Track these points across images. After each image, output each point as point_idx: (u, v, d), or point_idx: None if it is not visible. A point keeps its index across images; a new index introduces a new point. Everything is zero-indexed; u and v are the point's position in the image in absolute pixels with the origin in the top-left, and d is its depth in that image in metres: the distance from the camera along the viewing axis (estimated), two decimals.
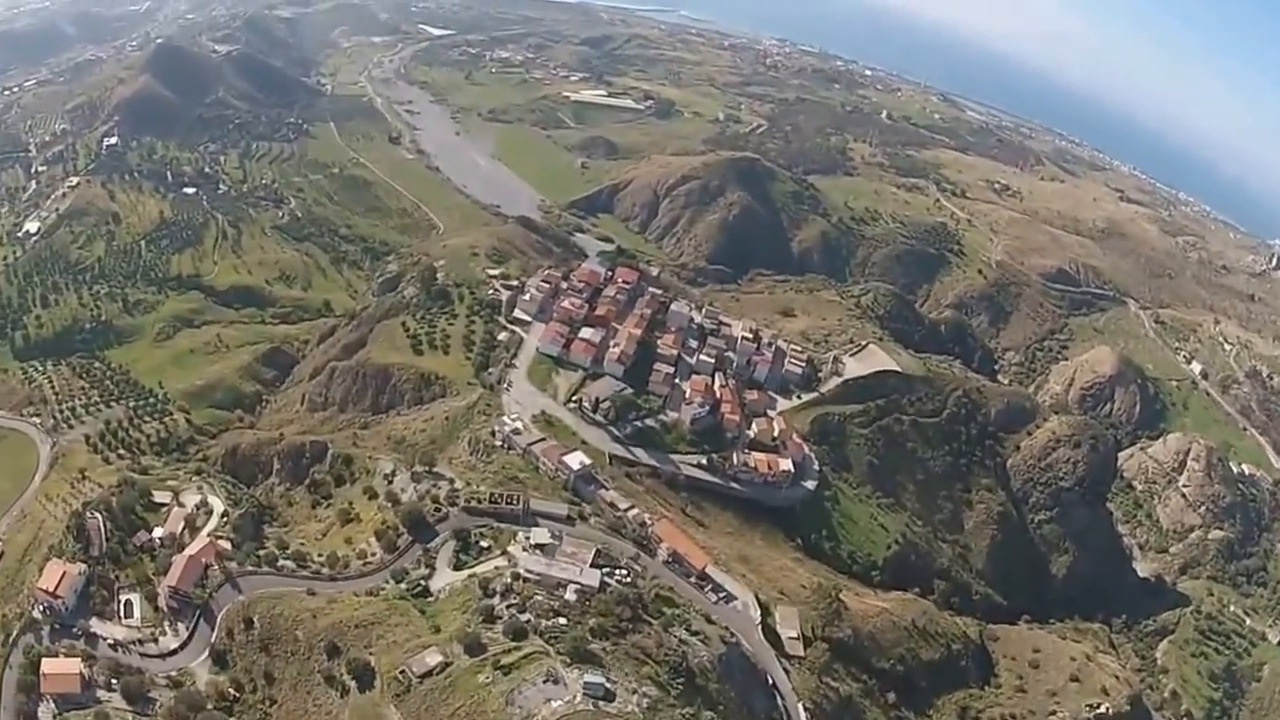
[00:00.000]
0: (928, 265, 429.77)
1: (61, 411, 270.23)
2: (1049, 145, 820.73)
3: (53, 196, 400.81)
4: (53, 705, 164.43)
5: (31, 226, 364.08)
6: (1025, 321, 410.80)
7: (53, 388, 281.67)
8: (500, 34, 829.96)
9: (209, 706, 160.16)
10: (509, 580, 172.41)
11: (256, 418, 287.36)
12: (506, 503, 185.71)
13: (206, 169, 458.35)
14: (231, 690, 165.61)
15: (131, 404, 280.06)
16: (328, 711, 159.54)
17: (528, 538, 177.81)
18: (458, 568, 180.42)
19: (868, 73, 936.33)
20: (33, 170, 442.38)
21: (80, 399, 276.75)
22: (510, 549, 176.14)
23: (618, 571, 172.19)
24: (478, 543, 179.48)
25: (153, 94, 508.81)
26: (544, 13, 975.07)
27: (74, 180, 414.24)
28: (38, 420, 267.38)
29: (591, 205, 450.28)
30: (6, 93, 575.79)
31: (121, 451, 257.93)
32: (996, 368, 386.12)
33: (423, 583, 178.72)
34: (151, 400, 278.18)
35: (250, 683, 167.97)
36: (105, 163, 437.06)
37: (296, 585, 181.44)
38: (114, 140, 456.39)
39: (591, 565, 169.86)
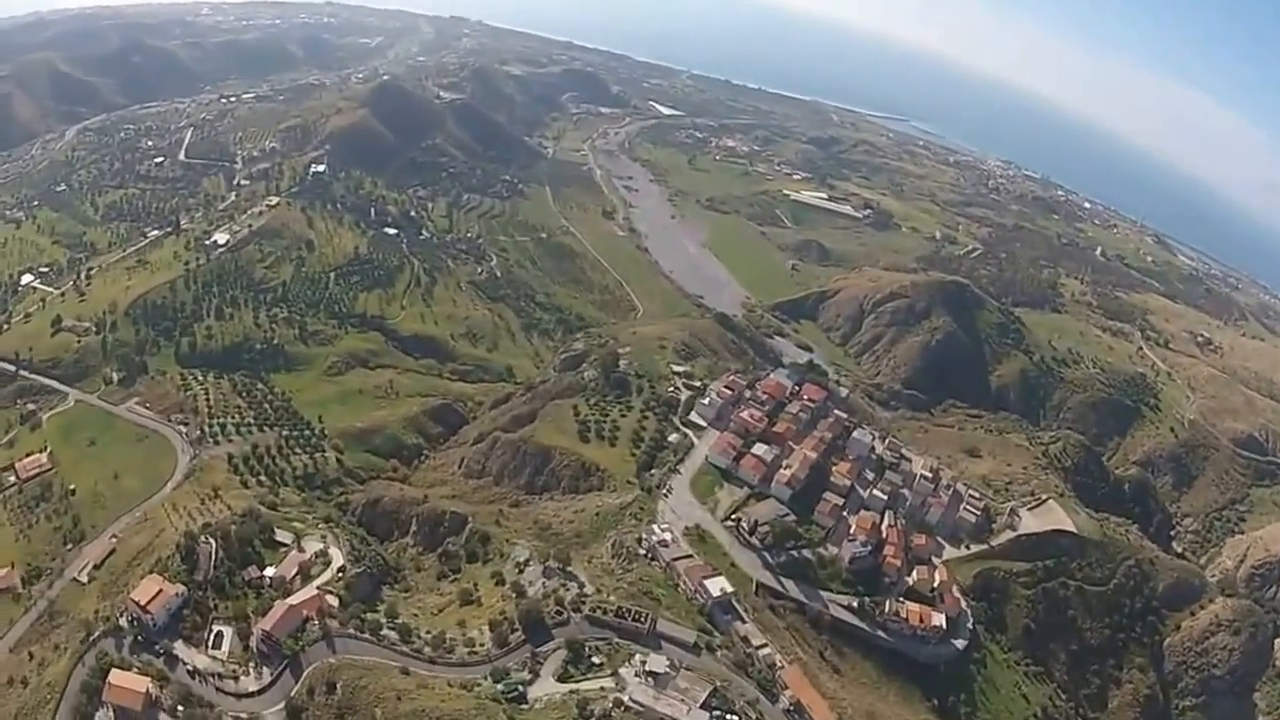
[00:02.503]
0: (1122, 417, 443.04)
1: (211, 425, 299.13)
2: (1254, 299, 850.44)
3: (249, 212, 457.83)
4: (109, 715, 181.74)
5: (221, 238, 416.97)
6: (1209, 488, 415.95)
7: (207, 399, 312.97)
8: (729, 122, 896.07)
9: None
10: (610, 706, 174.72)
11: (410, 471, 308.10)
12: (633, 619, 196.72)
13: (412, 212, 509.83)
14: None
15: (285, 432, 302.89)
16: None
17: (644, 662, 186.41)
18: (562, 679, 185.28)
19: (1086, 205, 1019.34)
20: (235, 182, 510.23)
21: (234, 417, 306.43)
22: (622, 670, 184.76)
23: (729, 717, 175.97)
24: (590, 656, 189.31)
25: (369, 129, 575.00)
26: (775, 106, 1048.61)
27: (274, 200, 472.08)
28: (184, 429, 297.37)
29: (796, 310, 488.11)
30: (224, 100, 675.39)
31: (263, 478, 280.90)
32: (1173, 534, 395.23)
33: (521, 688, 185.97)
34: (307, 433, 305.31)
35: None
36: (309, 188, 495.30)
37: (392, 660, 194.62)
38: (322, 168, 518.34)
39: (702, 705, 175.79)
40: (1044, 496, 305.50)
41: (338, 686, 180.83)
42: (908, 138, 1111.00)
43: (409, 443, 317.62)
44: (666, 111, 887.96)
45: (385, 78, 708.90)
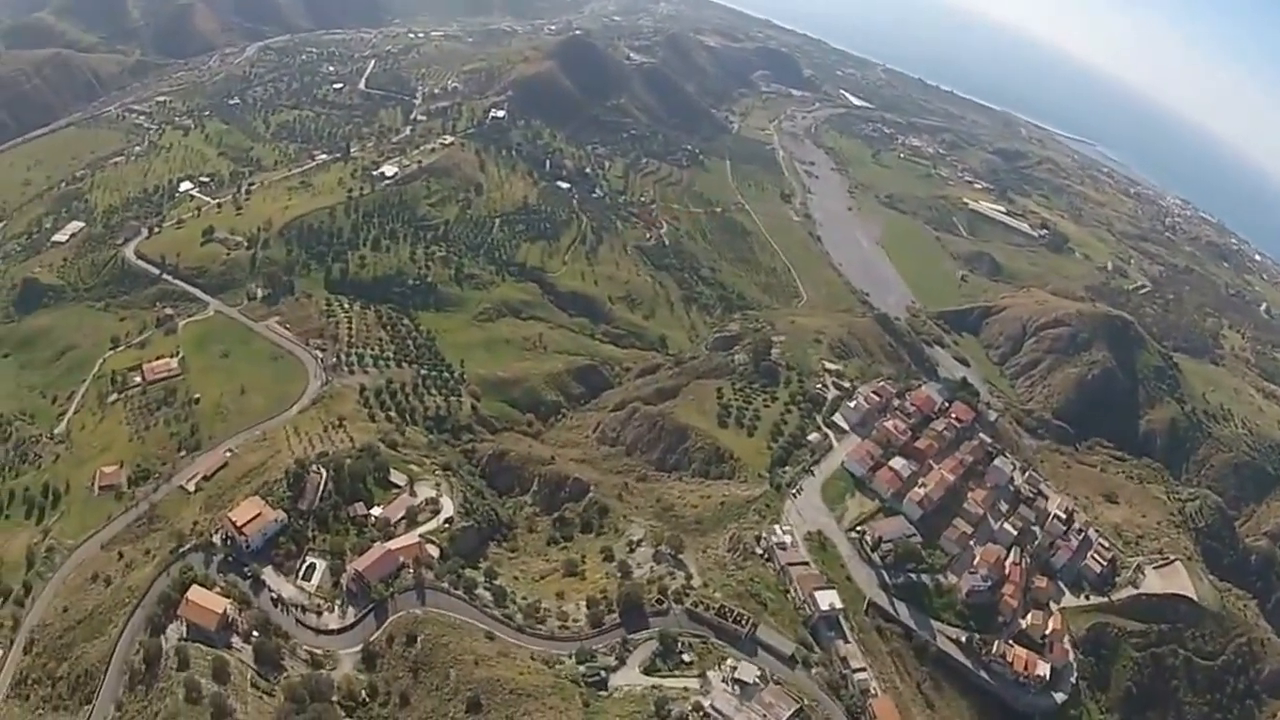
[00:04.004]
0: (1262, 484, 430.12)
1: (349, 354, 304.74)
2: None
3: (421, 148, 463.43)
4: (182, 629, 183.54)
5: (389, 170, 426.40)
6: None
7: (349, 328, 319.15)
8: (917, 121, 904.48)
9: (333, 699, 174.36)
10: (688, 710, 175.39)
11: (544, 429, 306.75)
12: (734, 621, 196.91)
13: (588, 169, 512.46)
14: (363, 694, 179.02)
15: (423, 371, 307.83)
16: None
17: (734, 668, 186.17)
18: (648, 671, 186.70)
19: (1257, 258, 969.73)
20: (412, 117, 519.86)
21: (373, 348, 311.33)
22: (710, 673, 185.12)
23: None
24: (682, 652, 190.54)
25: (554, 81, 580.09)
26: (965, 111, 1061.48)
27: (449, 139, 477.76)
28: (321, 354, 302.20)
29: (959, 321, 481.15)
30: (410, 35, 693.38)
31: (392, 414, 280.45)
32: None
33: (603, 673, 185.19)
34: (445, 375, 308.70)
35: (385, 696, 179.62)
36: (486, 132, 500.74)
37: (480, 621, 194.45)
38: (502, 114, 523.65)
39: None
40: (1172, 557, 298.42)
41: (418, 640, 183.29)
42: (1091, 162, 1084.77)
43: (548, 399, 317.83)
44: (856, 102, 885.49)
45: (577, 32, 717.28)
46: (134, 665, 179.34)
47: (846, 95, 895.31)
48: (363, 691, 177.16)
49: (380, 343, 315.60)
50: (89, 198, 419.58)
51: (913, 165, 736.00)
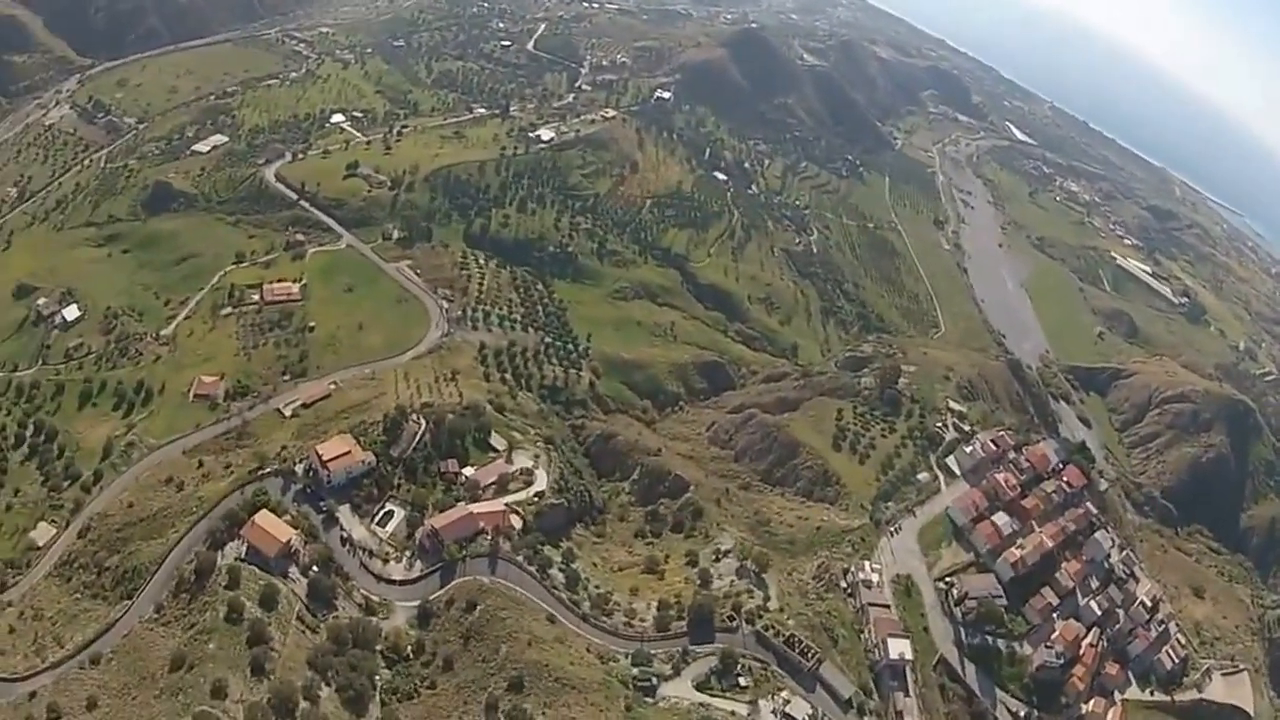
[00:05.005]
0: None
1: (475, 309, 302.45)
2: None
3: (582, 118, 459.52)
4: (241, 549, 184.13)
5: (546, 134, 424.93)
6: None
7: (481, 283, 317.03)
8: (1077, 164, 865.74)
9: (376, 649, 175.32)
10: None
11: (659, 418, 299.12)
12: (800, 652, 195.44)
13: (746, 164, 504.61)
14: (409, 649, 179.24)
15: (547, 339, 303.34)
16: None
17: (786, 702, 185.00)
18: (699, 687, 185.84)
19: None
20: (577, 85, 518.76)
21: (501, 308, 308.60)
22: (761, 703, 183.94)
23: None
24: (739, 675, 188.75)
25: (723, 71, 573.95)
26: (1125, 162, 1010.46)
27: (611, 113, 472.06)
28: (447, 304, 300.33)
29: (1089, 379, 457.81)
30: (583, 4, 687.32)
31: (507, 377, 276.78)
32: None
33: (655, 680, 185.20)
34: (569, 347, 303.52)
35: (429, 656, 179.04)
36: (649, 111, 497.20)
37: (545, 602, 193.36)
38: (667, 96, 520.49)
39: None
40: (1241, 666, 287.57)
41: (478, 608, 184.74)
42: (1237, 233, 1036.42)
43: (668, 389, 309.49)
44: (1019, 136, 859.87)
45: (753, 25, 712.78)
46: (183, 573, 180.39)
47: (1011, 128, 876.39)
48: (409, 647, 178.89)
49: (510, 304, 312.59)
50: (236, 114, 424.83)
51: (1067, 210, 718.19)
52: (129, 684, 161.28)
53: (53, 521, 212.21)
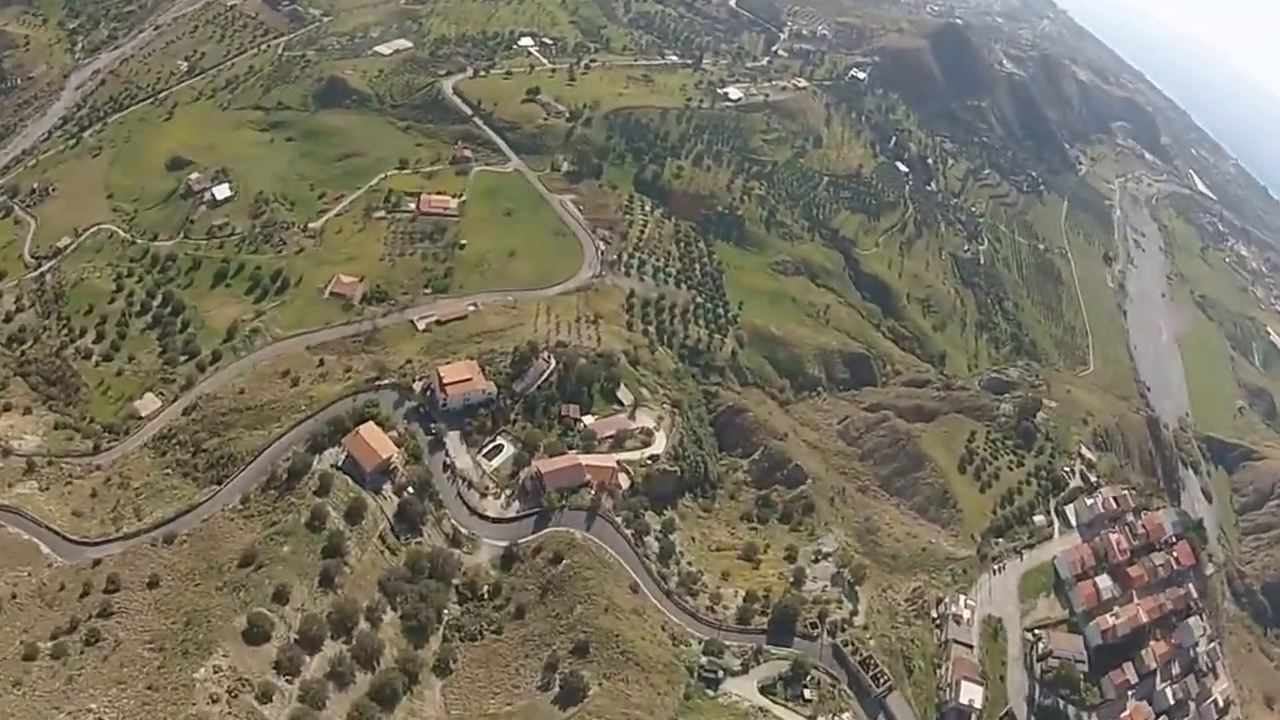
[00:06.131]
0: None
1: (632, 256, 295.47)
2: None
3: (774, 83, 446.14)
4: (339, 457, 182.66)
5: (734, 93, 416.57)
6: None
7: (643, 230, 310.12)
8: (1252, 230, 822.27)
9: (453, 583, 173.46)
10: None
11: (793, 400, 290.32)
12: (873, 675, 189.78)
13: (930, 160, 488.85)
14: (485, 590, 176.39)
15: (699, 299, 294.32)
16: (514, 687, 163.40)
17: None
18: (764, 690, 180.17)
19: None
20: (774, 49, 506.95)
21: (658, 259, 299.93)
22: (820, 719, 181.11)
23: None
24: (805, 687, 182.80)
25: (921, 61, 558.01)
26: None
27: (803, 83, 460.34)
28: (604, 246, 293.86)
29: (1220, 453, 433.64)
30: None
31: (650, 330, 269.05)
32: None
33: (721, 674, 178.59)
34: (719, 311, 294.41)
35: (503, 601, 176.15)
36: (841, 88, 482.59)
37: (632, 569, 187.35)
38: (862, 76, 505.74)
39: None
40: None
41: (563, 562, 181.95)
42: None
43: (810, 372, 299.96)
44: (1201, 187, 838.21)
45: (958, 20, 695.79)
46: (277, 470, 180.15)
47: (1194, 177, 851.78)
48: (485, 587, 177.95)
49: (668, 256, 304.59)
50: (424, 22, 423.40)
51: (1233, 273, 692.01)
52: (195, 570, 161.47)
53: (160, 394, 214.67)
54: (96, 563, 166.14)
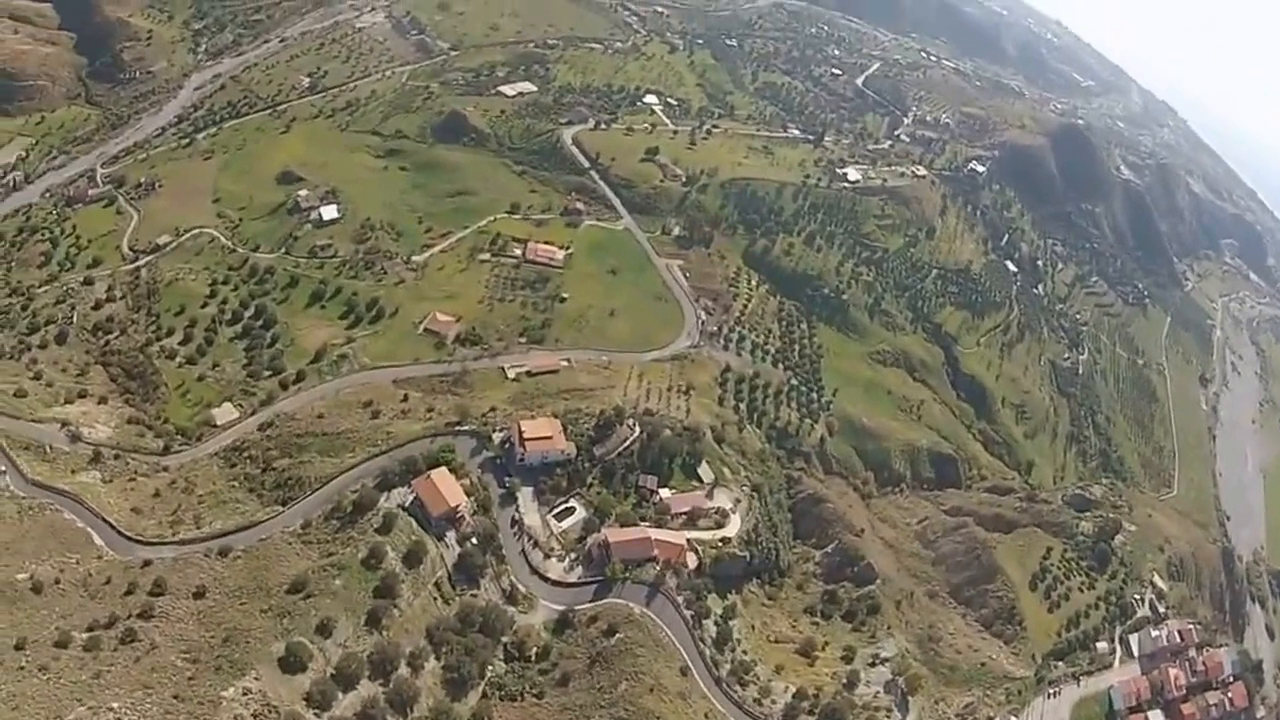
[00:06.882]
0: None
1: (732, 329, 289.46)
2: None
3: (892, 168, 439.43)
4: (407, 498, 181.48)
5: (852, 174, 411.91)
6: None
7: (746, 304, 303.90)
8: None
9: (502, 640, 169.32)
10: None
11: (876, 494, 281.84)
12: None
13: (1040, 262, 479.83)
14: (534, 652, 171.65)
15: (794, 381, 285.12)
16: None
17: None
18: None
19: None
20: (895, 133, 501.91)
21: (758, 336, 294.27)
22: None
23: None
24: None
25: (1042, 160, 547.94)
26: None
27: (921, 171, 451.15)
28: (705, 317, 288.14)
29: None
30: (922, 53, 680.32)
31: (740, 408, 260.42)
32: None
33: None
34: (813, 394, 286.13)
35: (549, 665, 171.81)
36: (959, 180, 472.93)
37: (686, 653, 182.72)
38: (981, 170, 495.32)
39: None
40: None
41: (616, 636, 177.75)
42: None
43: (895, 467, 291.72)
44: None
45: (1079, 121, 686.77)
46: (342, 501, 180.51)
47: None
48: (534, 649, 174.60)
49: (769, 334, 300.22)
50: (550, 67, 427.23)
51: None
52: (244, 588, 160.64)
53: (239, 405, 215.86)
54: (147, 563, 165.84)
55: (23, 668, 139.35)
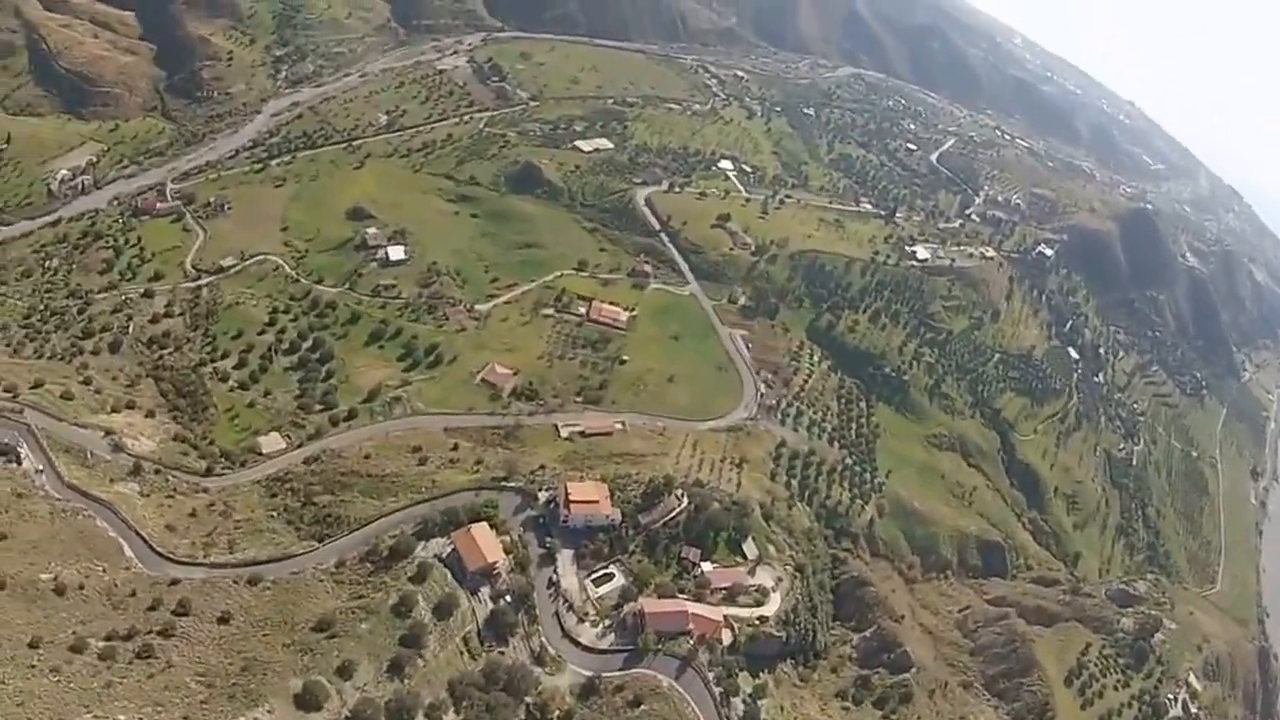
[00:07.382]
0: None
1: (791, 404, 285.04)
2: None
3: (961, 248, 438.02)
4: (444, 550, 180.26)
5: (922, 253, 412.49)
6: None
7: (806, 380, 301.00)
8: None
9: (525, 700, 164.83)
10: None
11: (921, 580, 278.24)
12: None
13: (1101, 349, 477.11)
14: (555, 716, 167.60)
15: (849, 460, 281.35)
16: None
17: None
18: None
19: None
20: (967, 212, 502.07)
21: (816, 413, 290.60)
22: None
23: None
24: None
25: (1109, 246, 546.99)
26: None
27: (990, 252, 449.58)
28: (764, 389, 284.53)
29: None
30: (998, 132, 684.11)
31: (792, 484, 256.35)
32: None
33: None
34: (867, 475, 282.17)
35: None
36: (1026, 263, 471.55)
37: None
38: (1049, 253, 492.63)
39: None
40: None
41: (640, 707, 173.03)
42: None
43: (942, 553, 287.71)
44: None
45: (1148, 206, 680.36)
46: (379, 544, 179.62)
47: None
48: (557, 713, 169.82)
49: (827, 411, 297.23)
50: (628, 125, 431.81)
51: None
52: (269, 619, 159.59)
53: (286, 436, 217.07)
54: (174, 581, 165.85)
55: (34, 666, 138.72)
